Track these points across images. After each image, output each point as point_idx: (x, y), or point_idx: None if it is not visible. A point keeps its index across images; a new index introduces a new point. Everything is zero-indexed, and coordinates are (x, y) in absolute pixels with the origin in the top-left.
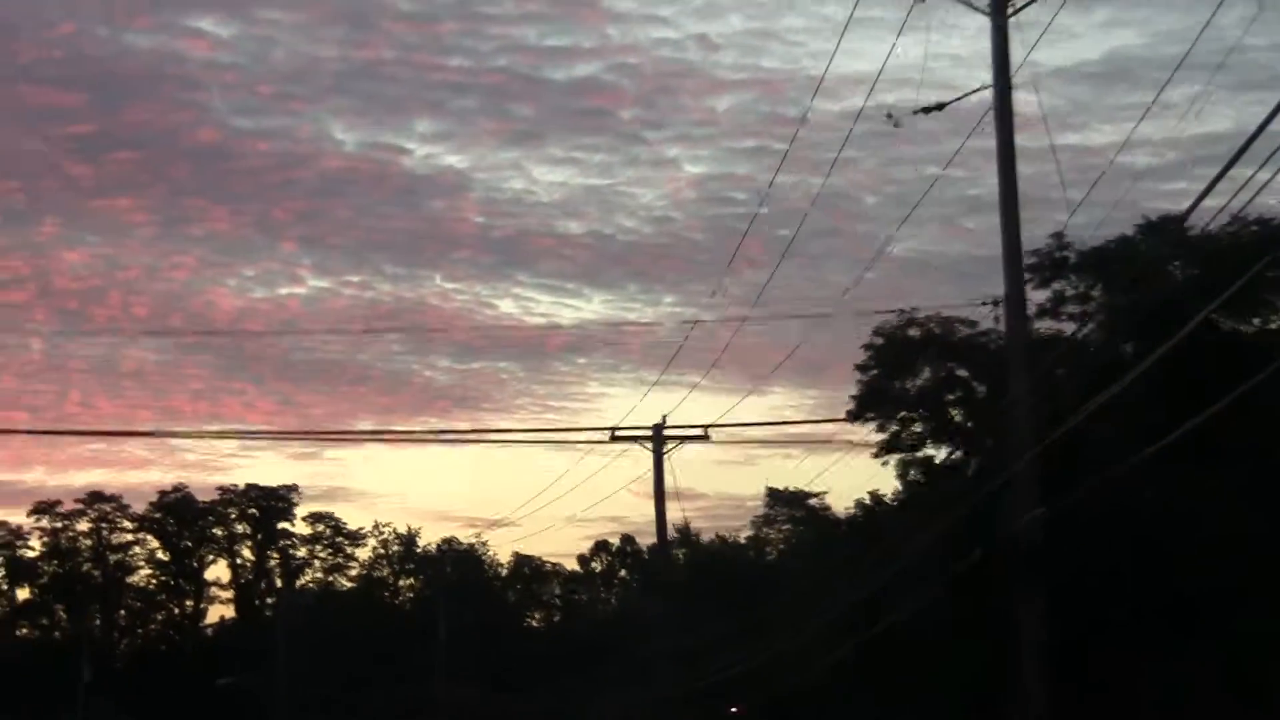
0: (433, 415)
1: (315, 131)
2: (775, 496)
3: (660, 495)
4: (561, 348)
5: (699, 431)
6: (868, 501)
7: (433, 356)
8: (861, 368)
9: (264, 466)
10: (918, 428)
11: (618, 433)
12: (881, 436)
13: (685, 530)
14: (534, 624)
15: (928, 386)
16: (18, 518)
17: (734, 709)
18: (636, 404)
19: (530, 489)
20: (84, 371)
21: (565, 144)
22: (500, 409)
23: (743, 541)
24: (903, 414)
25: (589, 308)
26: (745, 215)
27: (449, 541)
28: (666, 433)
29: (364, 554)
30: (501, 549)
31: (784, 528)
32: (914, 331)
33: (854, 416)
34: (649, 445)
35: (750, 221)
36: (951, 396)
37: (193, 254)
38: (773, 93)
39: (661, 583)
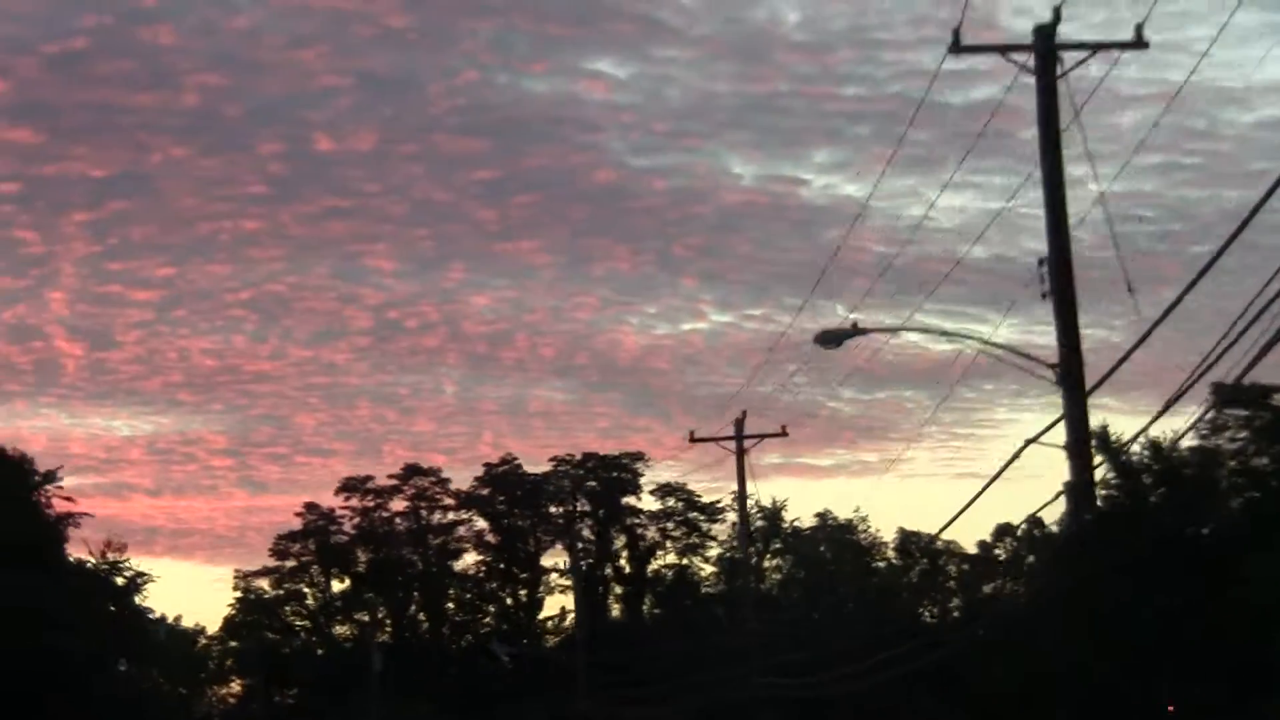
0: (839, 446)
1: (712, 167)
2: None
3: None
4: (967, 374)
5: None
6: None
7: (836, 387)
8: None
9: None
10: None
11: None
12: None
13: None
14: (928, 617)
15: None
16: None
17: None
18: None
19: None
20: (494, 413)
21: (964, 167)
22: (905, 438)
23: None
24: None
25: (994, 333)
26: (1154, 233)
27: (823, 515)
28: None
29: (721, 531)
30: (884, 525)
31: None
32: None
33: None
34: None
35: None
36: None
37: (595, 294)
38: (1178, 105)
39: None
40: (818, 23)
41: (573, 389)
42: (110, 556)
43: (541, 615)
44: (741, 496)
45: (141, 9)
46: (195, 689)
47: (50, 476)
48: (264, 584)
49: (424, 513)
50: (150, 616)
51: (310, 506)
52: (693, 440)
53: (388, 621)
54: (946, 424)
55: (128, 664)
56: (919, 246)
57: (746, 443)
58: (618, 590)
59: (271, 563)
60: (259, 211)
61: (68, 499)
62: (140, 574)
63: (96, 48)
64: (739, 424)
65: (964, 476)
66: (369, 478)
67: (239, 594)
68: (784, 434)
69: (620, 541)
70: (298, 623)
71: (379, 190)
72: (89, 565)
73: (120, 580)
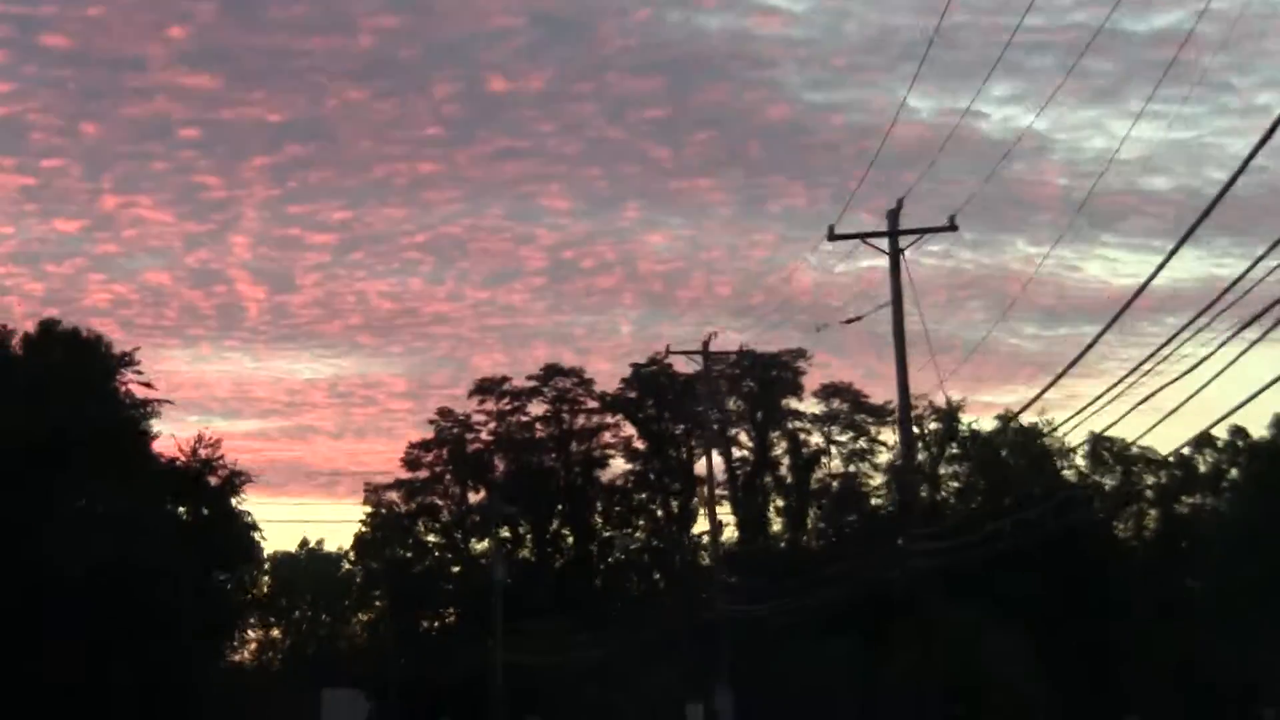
0: (1019, 384)
1: (890, 102)
2: None
3: None
4: (1151, 309)
5: None
6: None
7: (1016, 324)
8: None
9: None
10: None
11: None
12: None
13: None
14: (1120, 531)
15: None
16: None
17: None
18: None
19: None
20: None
21: (1146, 97)
22: (1086, 375)
23: None
24: None
25: (1180, 266)
26: None
27: (1004, 418)
28: None
29: (889, 436)
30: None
31: None
32: None
33: None
34: None
35: None
36: None
37: (771, 231)
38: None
39: None
40: None
41: (749, 327)
42: (202, 454)
43: (696, 529)
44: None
45: None
46: (340, 615)
47: (128, 360)
48: (395, 497)
49: (566, 417)
50: (248, 522)
51: (444, 412)
52: (832, 238)
53: (528, 536)
54: (1129, 359)
55: (224, 575)
56: (1101, 179)
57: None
58: (779, 502)
59: (403, 474)
60: (434, 154)
61: (146, 384)
62: (237, 473)
63: None
64: (894, 215)
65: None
66: (505, 379)
67: (368, 509)
68: (953, 228)
69: (781, 448)
70: (430, 539)
71: (553, 130)
72: (178, 463)
73: (214, 480)
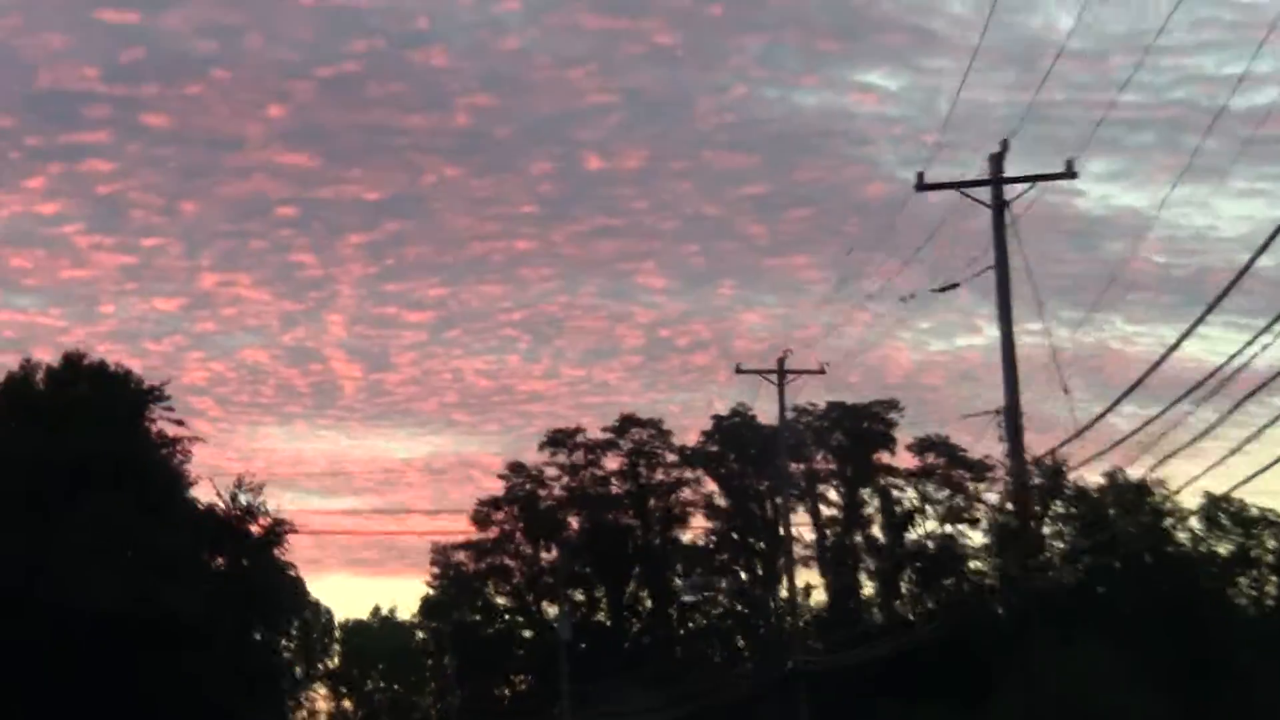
0: (1117, 463)
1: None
2: None
3: None
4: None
5: None
6: None
7: (1111, 401)
8: None
9: None
10: None
11: None
12: None
13: None
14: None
15: None
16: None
17: None
18: None
19: None
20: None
21: (1250, 175)
22: (1188, 457)
23: None
24: None
25: None
26: None
27: (1112, 476)
28: None
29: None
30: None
31: None
32: None
33: None
34: None
35: None
36: None
37: (868, 309)
38: None
39: None
40: (1093, 28)
41: (840, 393)
42: (243, 499)
43: (784, 593)
44: None
45: (413, 31)
46: (412, 685)
47: (158, 394)
48: (463, 557)
49: (643, 471)
50: (292, 575)
51: (515, 467)
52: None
53: (602, 599)
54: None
55: (262, 631)
56: (1200, 257)
57: None
58: (870, 565)
59: (473, 534)
60: (530, 231)
61: (178, 422)
62: (280, 522)
63: (369, 71)
64: (998, 160)
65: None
66: (578, 429)
67: (435, 570)
68: (1071, 174)
69: (872, 505)
70: (500, 601)
71: (648, 207)
72: (217, 510)
73: (256, 529)
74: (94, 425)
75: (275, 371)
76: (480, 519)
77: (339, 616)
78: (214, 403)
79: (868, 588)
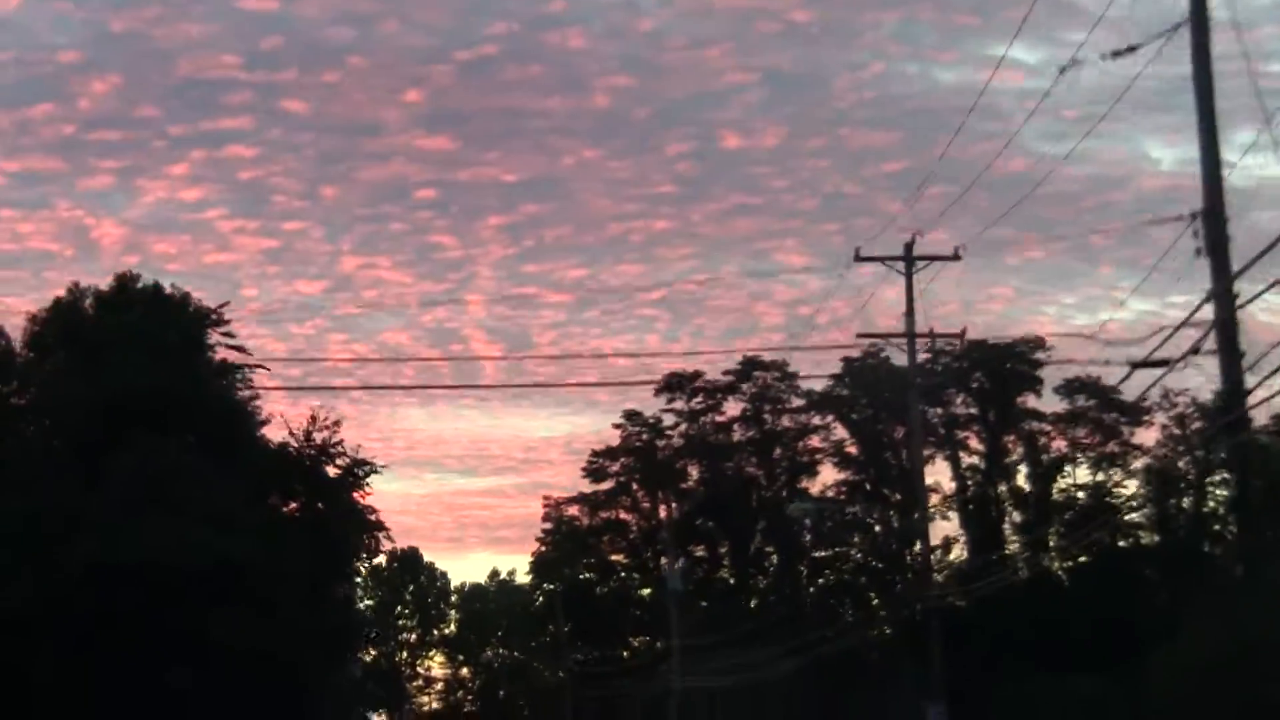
0: None
1: (1129, 152)
2: None
3: None
4: None
5: None
6: None
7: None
8: None
9: None
10: None
11: None
12: None
13: None
14: None
15: None
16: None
17: None
18: None
19: None
20: None
21: None
22: None
23: None
24: None
25: None
26: None
27: None
28: None
29: (1148, 436)
30: None
31: None
32: None
33: None
34: None
35: None
36: None
37: (1009, 284)
38: None
39: None
40: None
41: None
42: (317, 436)
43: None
44: None
45: (549, 14)
46: (534, 650)
47: (216, 318)
48: (575, 511)
49: (767, 418)
50: (373, 520)
51: (630, 415)
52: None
53: (725, 555)
54: None
55: (340, 583)
56: None
57: None
58: (1015, 517)
59: (586, 486)
60: (669, 211)
61: (238, 348)
62: (361, 462)
63: (506, 54)
64: None
65: None
66: (697, 373)
67: (548, 525)
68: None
69: (1016, 453)
70: (616, 558)
71: (786, 186)
72: (290, 449)
73: (333, 471)
74: (146, 356)
75: (416, 353)
76: (594, 471)
77: (454, 581)
78: (357, 383)
79: (1013, 543)
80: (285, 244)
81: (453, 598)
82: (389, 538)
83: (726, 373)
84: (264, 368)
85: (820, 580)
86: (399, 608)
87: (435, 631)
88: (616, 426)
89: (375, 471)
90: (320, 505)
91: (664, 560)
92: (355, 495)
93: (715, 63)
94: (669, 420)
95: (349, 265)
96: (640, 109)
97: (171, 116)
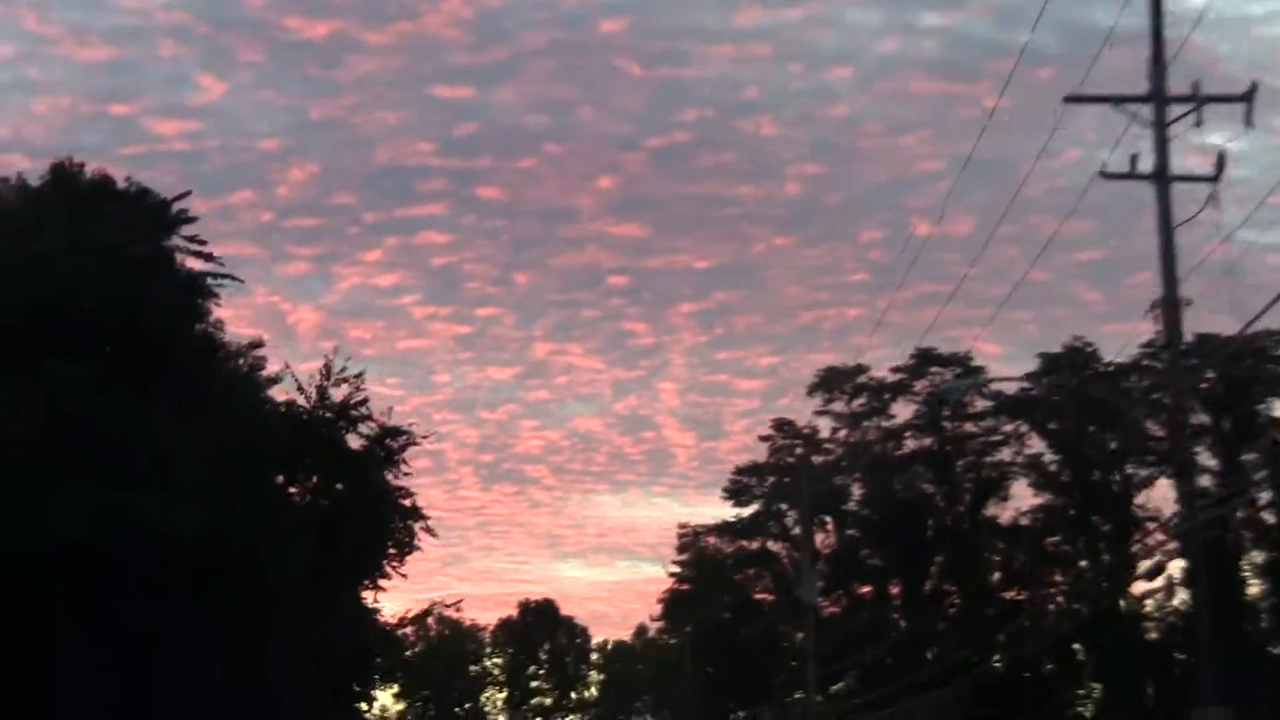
0: None
1: None
2: None
3: None
4: None
5: None
6: None
7: None
8: None
9: None
10: None
11: None
12: None
13: None
14: None
15: None
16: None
17: None
18: None
19: None
20: None
21: None
22: None
23: None
24: None
25: None
26: None
27: None
28: None
29: None
30: None
31: None
32: None
33: None
34: None
35: None
36: None
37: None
38: None
39: None
40: None
41: None
42: (334, 394)
43: (1140, 588)
44: None
45: (742, 101)
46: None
47: (180, 214)
48: (715, 541)
49: (946, 426)
50: (407, 504)
51: (780, 425)
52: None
53: (899, 596)
54: None
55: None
56: None
57: None
58: (1257, 557)
59: (729, 511)
60: (860, 299)
61: (207, 256)
62: (393, 430)
63: (698, 141)
64: None
65: None
66: (859, 368)
67: (684, 556)
68: None
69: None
70: (761, 595)
71: (978, 274)
72: (299, 409)
73: (356, 442)
74: (92, 263)
75: (609, 440)
76: (736, 490)
77: (596, 638)
78: (548, 471)
79: (1254, 585)
80: (478, 330)
81: (593, 655)
82: (429, 529)
83: (895, 369)
84: (238, 279)
85: (1009, 625)
86: (532, 667)
87: (574, 694)
88: (764, 439)
89: (414, 443)
90: (339, 485)
91: (830, 605)
92: (387, 474)
93: (910, 149)
94: (825, 428)
95: (541, 351)
96: (832, 196)
97: (366, 203)
